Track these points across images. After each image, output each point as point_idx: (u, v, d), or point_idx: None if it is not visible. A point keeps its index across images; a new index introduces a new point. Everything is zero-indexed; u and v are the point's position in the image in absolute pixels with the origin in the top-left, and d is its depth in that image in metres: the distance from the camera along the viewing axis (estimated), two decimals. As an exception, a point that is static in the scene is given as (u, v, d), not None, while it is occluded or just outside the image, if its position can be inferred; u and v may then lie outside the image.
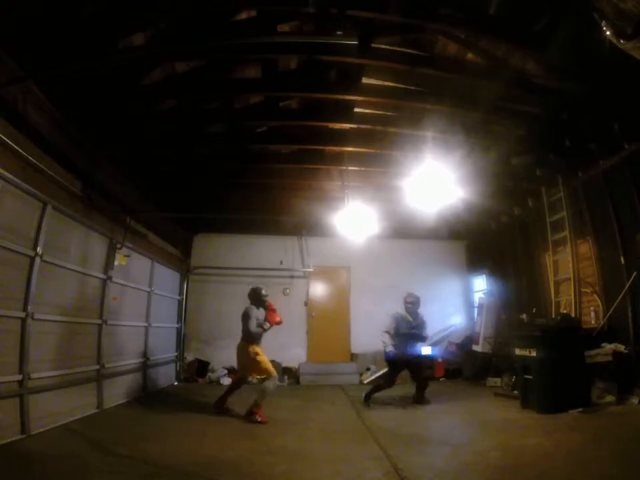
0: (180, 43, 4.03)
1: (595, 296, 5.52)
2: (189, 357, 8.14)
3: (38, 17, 3.27)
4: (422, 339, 5.57)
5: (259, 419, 4.39)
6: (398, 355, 5.33)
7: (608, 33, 2.10)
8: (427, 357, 5.72)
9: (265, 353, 4.90)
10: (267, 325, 4.85)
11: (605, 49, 2.67)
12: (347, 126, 5.93)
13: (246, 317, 4.80)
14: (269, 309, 5.00)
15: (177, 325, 8.13)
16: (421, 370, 5.73)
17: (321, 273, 8.89)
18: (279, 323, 5.00)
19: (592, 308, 5.55)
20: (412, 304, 5.62)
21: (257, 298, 4.97)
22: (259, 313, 4.89)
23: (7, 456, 3.10)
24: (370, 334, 8.35)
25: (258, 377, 4.87)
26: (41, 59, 3.51)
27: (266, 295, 5.02)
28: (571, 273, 5.83)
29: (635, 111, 4.41)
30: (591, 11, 2.19)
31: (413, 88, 5.16)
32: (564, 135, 5.49)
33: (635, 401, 4.27)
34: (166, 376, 7.40)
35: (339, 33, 3.73)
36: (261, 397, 4.52)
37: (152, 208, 6.98)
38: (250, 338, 4.74)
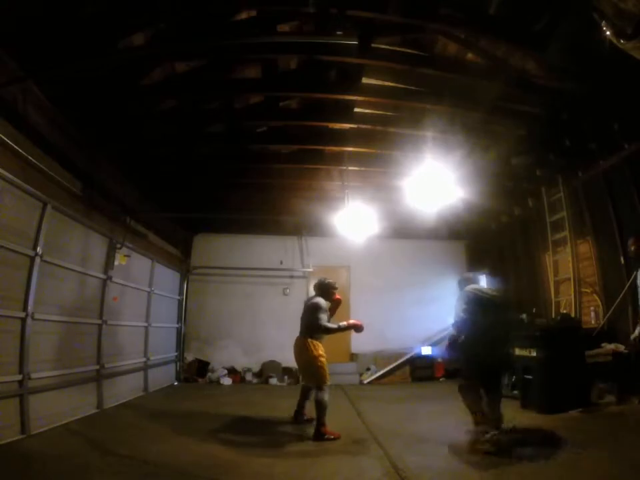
0: (180, 42, 4.03)
1: (595, 296, 5.52)
2: (189, 357, 8.15)
3: (38, 17, 3.27)
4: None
5: (331, 437, 3.77)
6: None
7: (608, 33, 2.10)
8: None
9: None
10: (344, 324, 4.24)
11: (604, 49, 2.67)
12: (346, 126, 5.94)
13: (316, 309, 4.14)
14: (336, 300, 4.48)
15: (176, 325, 8.13)
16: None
17: (320, 273, 8.86)
18: (359, 328, 4.30)
19: (592, 308, 5.56)
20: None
21: (325, 291, 4.38)
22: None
23: (7, 456, 3.10)
24: (370, 334, 8.39)
25: (310, 380, 4.23)
26: (40, 59, 3.51)
27: (335, 289, 4.48)
28: (571, 272, 5.83)
29: (635, 110, 4.41)
30: (591, 11, 2.19)
31: (413, 88, 5.16)
32: (564, 134, 5.48)
33: (635, 400, 4.27)
34: (166, 376, 7.40)
35: (339, 33, 3.73)
36: (321, 414, 3.87)
37: (152, 208, 6.98)
38: (313, 334, 4.12)
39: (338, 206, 6.47)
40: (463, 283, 3.91)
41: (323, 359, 4.05)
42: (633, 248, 3.97)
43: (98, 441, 3.59)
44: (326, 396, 3.92)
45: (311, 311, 4.19)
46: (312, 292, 4.75)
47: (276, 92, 5.25)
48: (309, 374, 4.19)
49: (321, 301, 4.25)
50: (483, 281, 3.73)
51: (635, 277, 4.08)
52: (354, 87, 5.06)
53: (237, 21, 4.25)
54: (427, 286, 8.85)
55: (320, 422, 3.85)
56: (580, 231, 5.85)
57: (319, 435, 3.79)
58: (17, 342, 3.63)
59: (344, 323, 4.26)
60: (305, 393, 4.47)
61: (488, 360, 3.36)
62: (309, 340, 4.10)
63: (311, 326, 4.15)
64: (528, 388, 4.86)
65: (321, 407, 3.88)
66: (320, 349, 4.10)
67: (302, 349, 4.12)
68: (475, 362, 3.43)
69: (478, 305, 3.46)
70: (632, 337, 4.07)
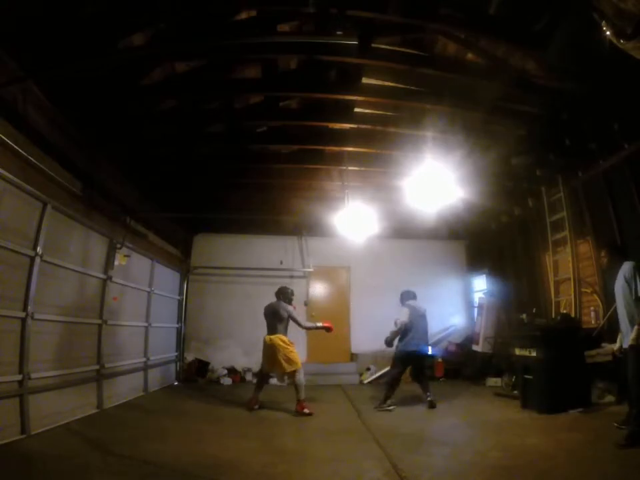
0: (180, 42, 4.03)
1: (595, 296, 5.52)
2: (189, 357, 8.14)
3: (38, 17, 3.27)
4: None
5: (307, 412, 4.77)
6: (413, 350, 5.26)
7: (608, 33, 2.11)
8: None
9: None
10: (320, 324, 5.46)
11: (605, 49, 2.67)
12: (347, 126, 5.93)
13: (291, 312, 5.21)
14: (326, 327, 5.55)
15: (176, 325, 8.13)
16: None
17: (320, 273, 8.89)
18: (330, 329, 5.47)
19: (592, 308, 5.55)
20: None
21: (287, 297, 5.37)
22: None
23: (6, 456, 3.10)
24: (370, 334, 8.39)
25: (287, 367, 5.00)
26: (41, 59, 3.51)
27: (293, 296, 5.53)
28: (570, 273, 5.83)
29: (635, 110, 4.40)
30: (590, 11, 2.19)
31: (413, 88, 5.16)
32: (564, 134, 5.48)
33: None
34: (166, 376, 7.40)
35: (339, 33, 3.72)
36: (300, 393, 4.88)
37: (152, 208, 6.98)
38: (285, 331, 5.14)
39: (338, 206, 6.47)
40: (406, 295, 5.67)
41: (293, 347, 5.13)
42: (605, 260, 3.94)
43: (98, 441, 3.59)
44: (302, 376, 4.99)
45: (286, 314, 5.16)
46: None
47: (276, 92, 5.24)
48: (288, 362, 4.99)
49: (287, 305, 5.26)
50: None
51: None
52: (354, 87, 5.05)
53: (237, 20, 4.24)
54: (427, 286, 8.79)
55: (301, 400, 4.85)
56: (580, 230, 5.85)
57: (301, 409, 4.78)
58: (17, 342, 3.62)
59: (320, 323, 5.50)
60: (262, 386, 5.33)
61: (423, 349, 5.31)
62: (284, 336, 5.09)
63: (281, 325, 5.11)
64: (528, 388, 4.86)
65: (300, 386, 4.90)
66: (288, 340, 5.14)
67: (279, 344, 5.00)
68: (415, 350, 5.20)
69: (417, 315, 5.38)
70: (615, 349, 3.91)
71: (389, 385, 5.21)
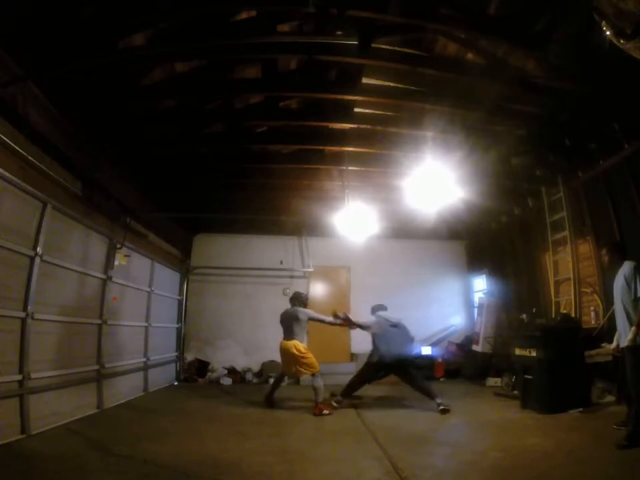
0: (180, 42, 4.03)
1: (595, 296, 5.52)
2: (189, 357, 8.15)
3: (38, 17, 3.27)
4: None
5: (327, 412, 4.85)
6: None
7: (608, 33, 2.11)
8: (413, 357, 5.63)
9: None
10: (342, 315, 5.48)
11: (605, 49, 2.67)
12: (347, 126, 5.92)
13: (309, 314, 5.29)
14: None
15: (176, 325, 8.14)
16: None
17: (321, 273, 8.89)
18: (352, 325, 5.61)
19: (592, 308, 5.55)
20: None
21: (302, 302, 5.47)
22: None
23: (7, 456, 3.10)
24: (370, 334, 8.40)
25: (305, 372, 5.16)
26: (41, 59, 3.51)
27: (307, 300, 5.68)
28: (571, 272, 5.83)
29: (635, 110, 4.41)
30: (590, 11, 2.19)
31: (413, 88, 5.15)
32: (564, 135, 5.48)
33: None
34: (166, 376, 7.41)
35: (338, 33, 3.73)
36: (319, 395, 4.95)
37: (152, 208, 6.98)
38: (301, 336, 5.21)
39: (338, 206, 6.47)
40: (377, 308, 5.75)
41: (310, 355, 5.19)
42: (606, 258, 3.95)
43: (98, 441, 3.59)
44: (320, 380, 5.02)
45: (307, 315, 5.25)
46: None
47: (276, 92, 5.24)
48: (306, 366, 5.09)
49: (306, 309, 5.34)
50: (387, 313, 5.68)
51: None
52: (354, 87, 5.04)
53: (237, 21, 4.24)
54: (426, 286, 8.85)
55: (318, 402, 4.89)
56: (580, 230, 5.85)
57: (319, 412, 4.80)
58: (17, 342, 3.63)
59: (342, 314, 5.45)
60: (279, 384, 5.57)
61: (398, 356, 5.11)
62: (299, 343, 5.14)
63: (302, 328, 5.22)
64: (528, 388, 4.86)
65: (319, 390, 4.94)
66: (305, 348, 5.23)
67: (294, 354, 5.06)
68: (389, 359, 5.09)
69: (387, 325, 5.38)
70: (611, 347, 3.90)
71: (352, 386, 5.29)
